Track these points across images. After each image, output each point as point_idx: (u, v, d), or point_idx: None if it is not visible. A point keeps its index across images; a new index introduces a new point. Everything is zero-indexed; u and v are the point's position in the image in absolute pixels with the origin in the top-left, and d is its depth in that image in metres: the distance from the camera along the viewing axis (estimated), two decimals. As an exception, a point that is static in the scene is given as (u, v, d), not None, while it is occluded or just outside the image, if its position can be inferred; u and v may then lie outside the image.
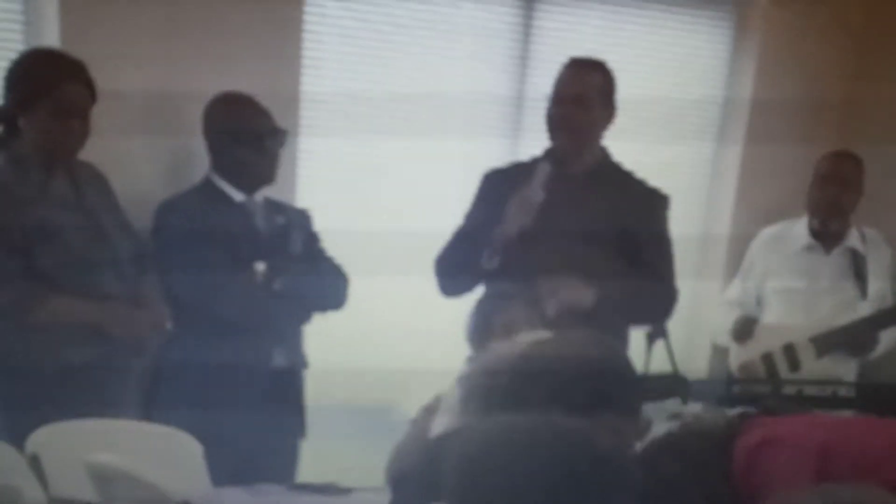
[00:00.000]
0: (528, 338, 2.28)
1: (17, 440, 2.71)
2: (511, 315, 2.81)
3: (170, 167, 3.59)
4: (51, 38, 3.40)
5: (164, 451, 2.87)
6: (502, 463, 1.62)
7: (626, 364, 2.15)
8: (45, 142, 3.04)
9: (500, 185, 3.36)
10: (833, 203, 4.03)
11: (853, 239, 4.09)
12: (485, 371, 2.17)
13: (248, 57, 3.63)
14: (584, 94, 3.28)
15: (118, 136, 3.37)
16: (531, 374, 2.01)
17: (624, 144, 3.86)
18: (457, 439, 1.83)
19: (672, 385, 3.16)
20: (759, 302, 4.17)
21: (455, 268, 3.36)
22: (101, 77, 3.12)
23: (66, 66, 3.08)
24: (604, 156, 3.41)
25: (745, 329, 4.05)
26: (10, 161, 3.02)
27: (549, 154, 3.32)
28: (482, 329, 2.85)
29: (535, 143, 3.83)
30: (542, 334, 2.33)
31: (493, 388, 2.08)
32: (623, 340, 3.27)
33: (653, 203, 3.42)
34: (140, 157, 3.49)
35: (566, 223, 3.20)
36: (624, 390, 2.07)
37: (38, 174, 3.03)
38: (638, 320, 3.28)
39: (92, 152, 3.17)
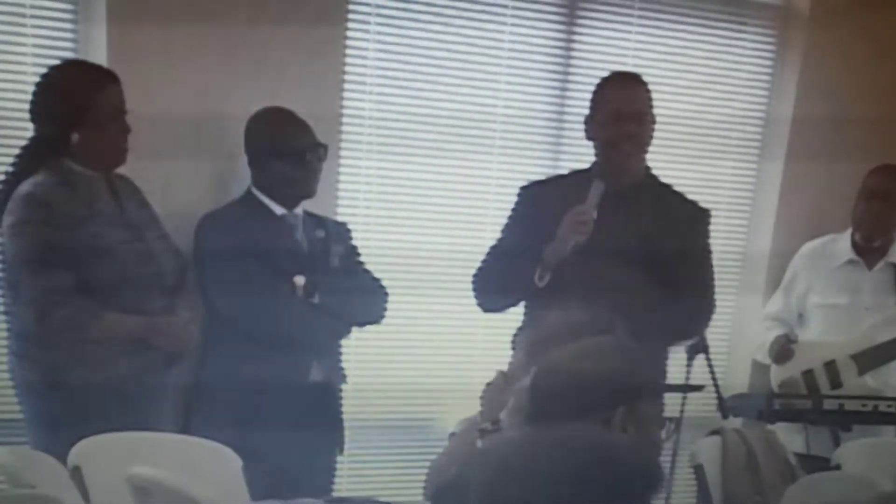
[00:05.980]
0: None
1: (60, 452, 2.74)
2: (558, 330, 2.79)
3: (211, 182, 3.61)
4: (99, 58, 3.44)
5: (203, 465, 2.89)
6: (528, 474, 1.62)
7: (642, 367, 2.12)
8: (102, 151, 3.05)
9: (541, 200, 3.34)
10: (879, 217, 4.01)
11: (895, 254, 4.06)
12: (511, 385, 2.18)
13: (291, 73, 3.65)
14: (643, 110, 3.28)
15: (161, 152, 3.41)
16: (549, 386, 2.01)
17: (667, 160, 3.86)
18: (485, 453, 1.83)
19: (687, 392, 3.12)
20: (801, 317, 4.14)
21: (498, 284, 3.33)
22: (146, 95, 3.15)
23: (102, 73, 3.11)
24: (646, 170, 3.40)
25: (783, 350, 4.02)
26: (59, 179, 3.02)
27: (601, 169, 3.29)
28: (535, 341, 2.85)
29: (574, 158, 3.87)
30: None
31: (517, 401, 2.08)
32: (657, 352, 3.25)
33: (694, 217, 3.41)
34: (182, 172, 3.51)
35: (618, 239, 3.18)
36: (640, 393, 2.05)
37: (85, 191, 3.05)
38: (672, 335, 3.26)
39: (136, 168, 3.21)
